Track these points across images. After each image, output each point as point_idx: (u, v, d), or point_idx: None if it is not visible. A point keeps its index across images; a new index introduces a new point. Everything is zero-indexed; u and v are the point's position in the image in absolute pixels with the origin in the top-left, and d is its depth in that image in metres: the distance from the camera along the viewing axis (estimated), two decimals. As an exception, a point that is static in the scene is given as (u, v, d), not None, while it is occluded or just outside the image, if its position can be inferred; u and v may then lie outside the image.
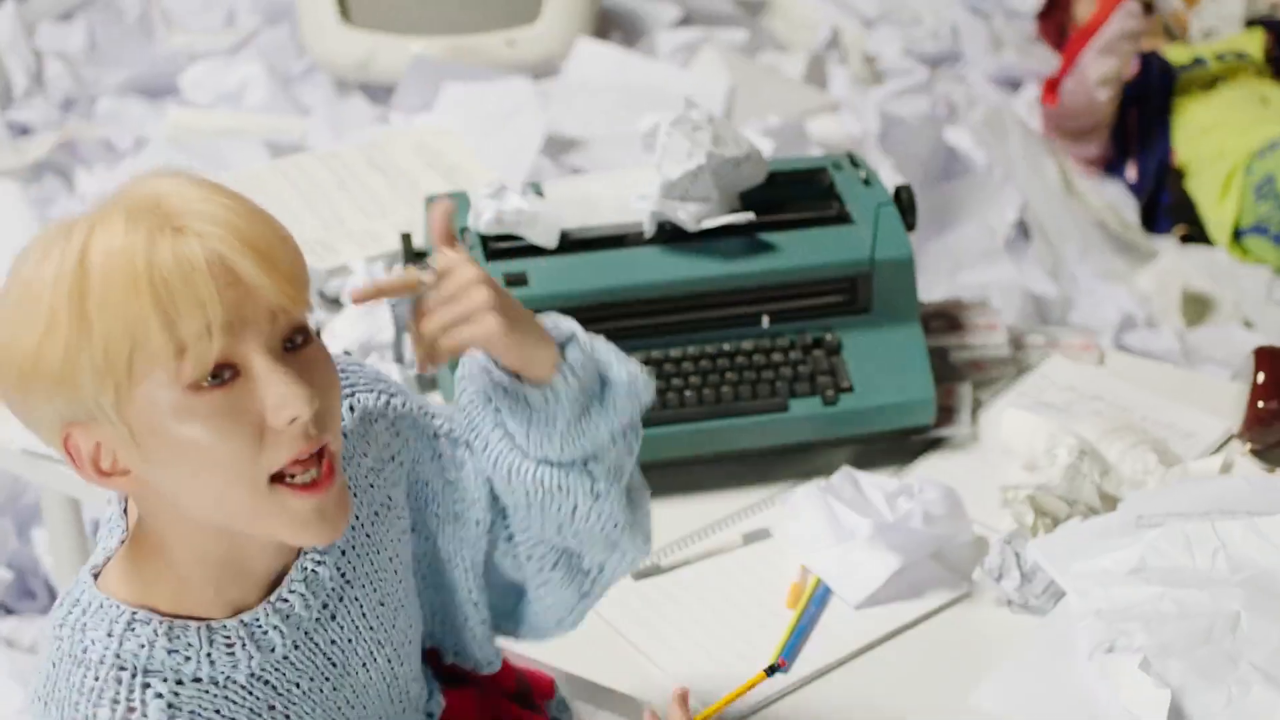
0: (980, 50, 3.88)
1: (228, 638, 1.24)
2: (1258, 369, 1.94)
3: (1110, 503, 1.86)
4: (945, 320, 2.18)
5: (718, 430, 2.00)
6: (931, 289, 2.84)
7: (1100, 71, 3.43)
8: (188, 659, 1.22)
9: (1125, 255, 3.31)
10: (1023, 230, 3.33)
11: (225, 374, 1.13)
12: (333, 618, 1.32)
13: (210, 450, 1.13)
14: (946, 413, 2.07)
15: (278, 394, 1.14)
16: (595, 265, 2.05)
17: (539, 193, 2.13)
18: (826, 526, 1.85)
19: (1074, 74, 3.45)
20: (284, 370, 1.14)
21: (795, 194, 2.17)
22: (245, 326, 1.13)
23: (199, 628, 1.23)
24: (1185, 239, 3.44)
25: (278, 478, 1.17)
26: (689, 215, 2.04)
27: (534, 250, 2.06)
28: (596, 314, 2.01)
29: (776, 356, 2.04)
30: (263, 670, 1.26)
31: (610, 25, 3.69)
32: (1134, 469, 1.90)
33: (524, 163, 2.93)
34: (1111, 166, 3.63)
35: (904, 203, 2.12)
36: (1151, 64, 3.63)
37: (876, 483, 1.90)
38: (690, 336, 2.06)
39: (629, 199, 2.07)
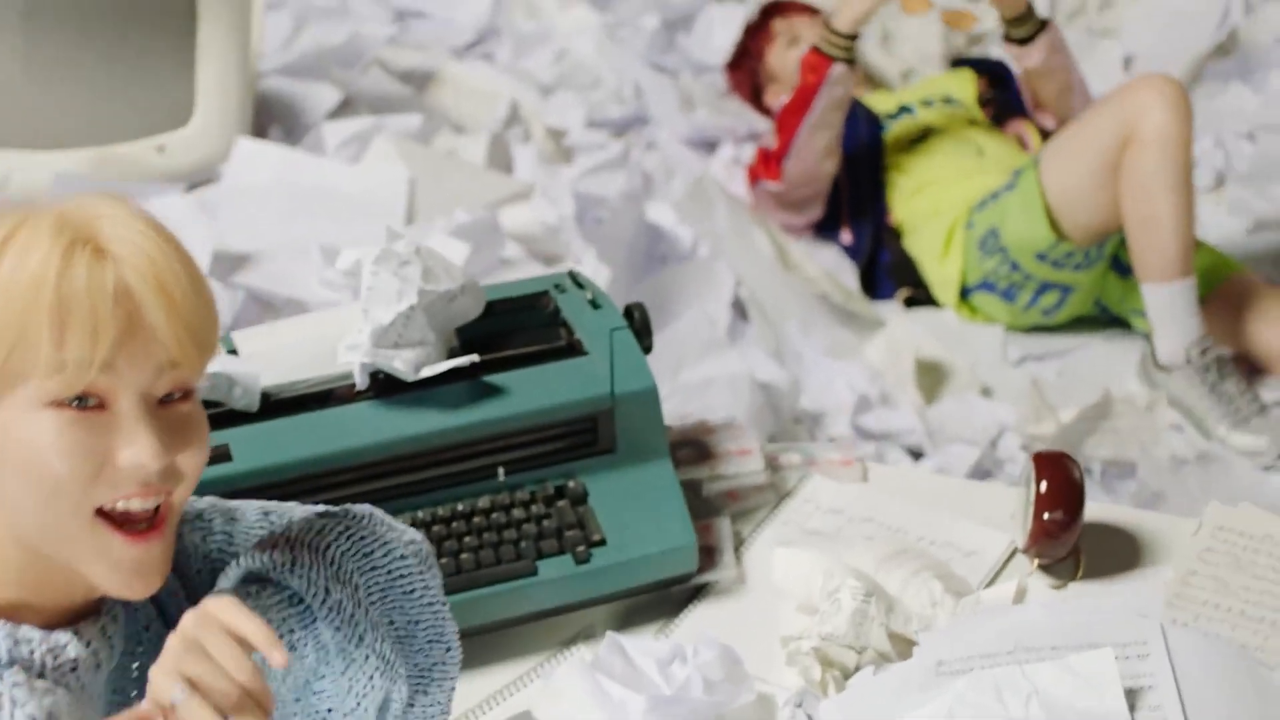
0: (670, 110, 3.88)
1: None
2: (1039, 478, 1.95)
3: (901, 644, 1.84)
4: (694, 449, 2.15)
5: (460, 605, 1.91)
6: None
7: (820, 146, 3.46)
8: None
9: (850, 326, 3.34)
10: (740, 310, 3.32)
11: (90, 401, 1.19)
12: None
13: (45, 464, 1.18)
14: (708, 554, 2.03)
15: (133, 442, 1.19)
16: (303, 429, 1.96)
17: (232, 349, 2.02)
18: (595, 706, 1.79)
19: (794, 154, 3.48)
20: (149, 421, 1.19)
21: (519, 324, 2.11)
22: (130, 368, 1.18)
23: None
24: (910, 302, 3.49)
25: (105, 514, 1.21)
26: (405, 364, 1.96)
27: (233, 417, 1.96)
28: (309, 485, 1.92)
29: (518, 513, 1.98)
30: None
31: (270, 118, 3.58)
32: (920, 602, 1.88)
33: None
34: (824, 228, 3.66)
35: (637, 323, 2.08)
36: (857, 116, 3.67)
37: (646, 649, 1.84)
38: (418, 500, 1.99)
39: (336, 347, 1.98)
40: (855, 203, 3.63)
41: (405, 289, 1.98)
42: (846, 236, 3.64)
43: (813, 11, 3.94)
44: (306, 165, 3.26)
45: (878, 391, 3.21)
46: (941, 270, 3.46)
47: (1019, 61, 3.60)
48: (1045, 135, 3.67)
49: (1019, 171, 3.34)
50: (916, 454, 3.08)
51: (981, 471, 2.98)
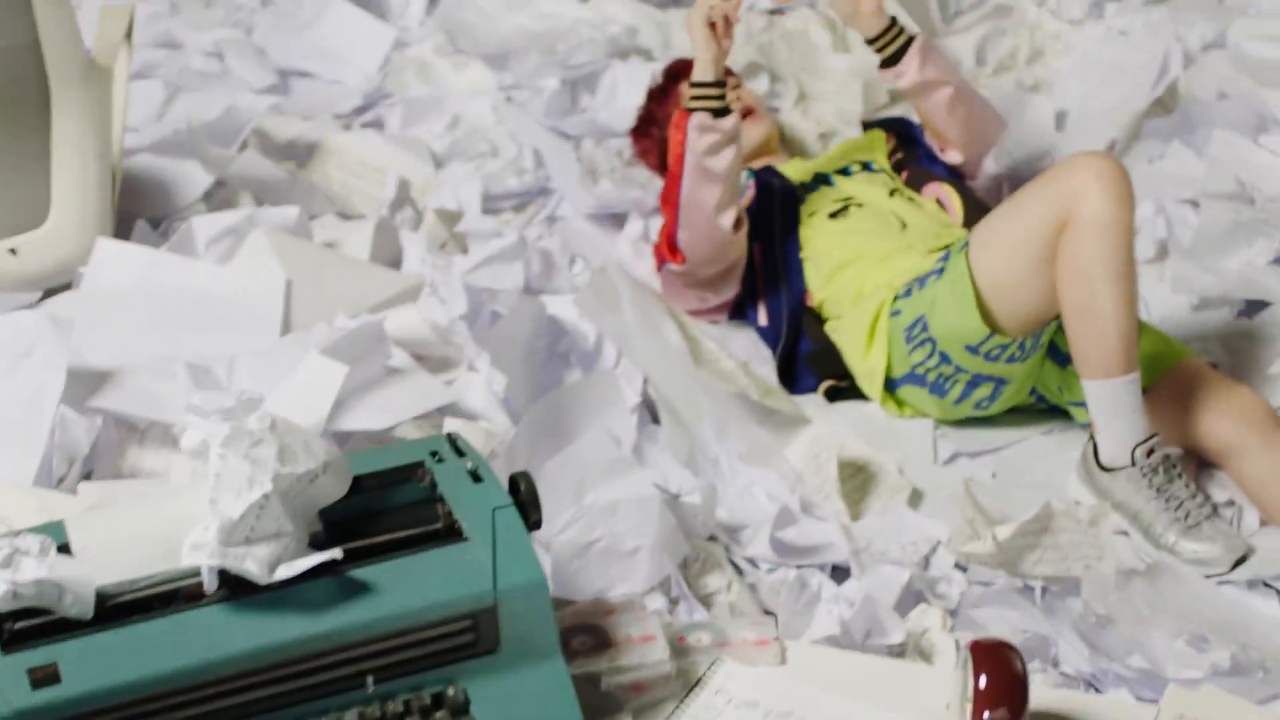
0: (572, 181, 3.68)
1: None
2: (977, 670, 1.77)
3: None
4: (591, 635, 1.96)
5: (327, 840, 1.72)
6: (554, 517, 2.61)
7: (708, 206, 3.26)
8: None
9: (770, 424, 3.16)
10: (651, 410, 3.13)
11: None
12: None
13: None
14: (608, 762, 1.83)
15: None
16: (144, 642, 1.77)
17: (63, 543, 1.81)
18: None
19: (683, 224, 3.29)
20: None
21: (391, 502, 1.91)
22: None
23: None
24: (833, 394, 3.31)
25: None
26: (259, 564, 1.77)
27: (63, 627, 1.75)
28: (151, 708, 1.71)
29: (390, 728, 1.78)
30: None
31: (136, 207, 3.37)
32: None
33: (41, 428, 2.60)
34: (739, 309, 3.48)
35: (524, 497, 1.89)
36: (770, 186, 3.49)
37: None
38: (276, 716, 1.78)
39: (181, 541, 1.78)
40: (770, 280, 3.44)
41: (258, 474, 1.78)
42: (762, 317, 3.46)
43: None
44: (173, 267, 3.04)
45: (800, 499, 3.02)
46: (865, 362, 3.28)
47: (896, 84, 3.49)
48: (964, 193, 3.52)
49: (947, 255, 3.16)
50: (843, 571, 2.89)
51: (913, 594, 2.79)
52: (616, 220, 3.74)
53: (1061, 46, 4.09)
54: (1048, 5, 4.19)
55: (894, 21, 3.47)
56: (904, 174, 3.60)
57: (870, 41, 3.48)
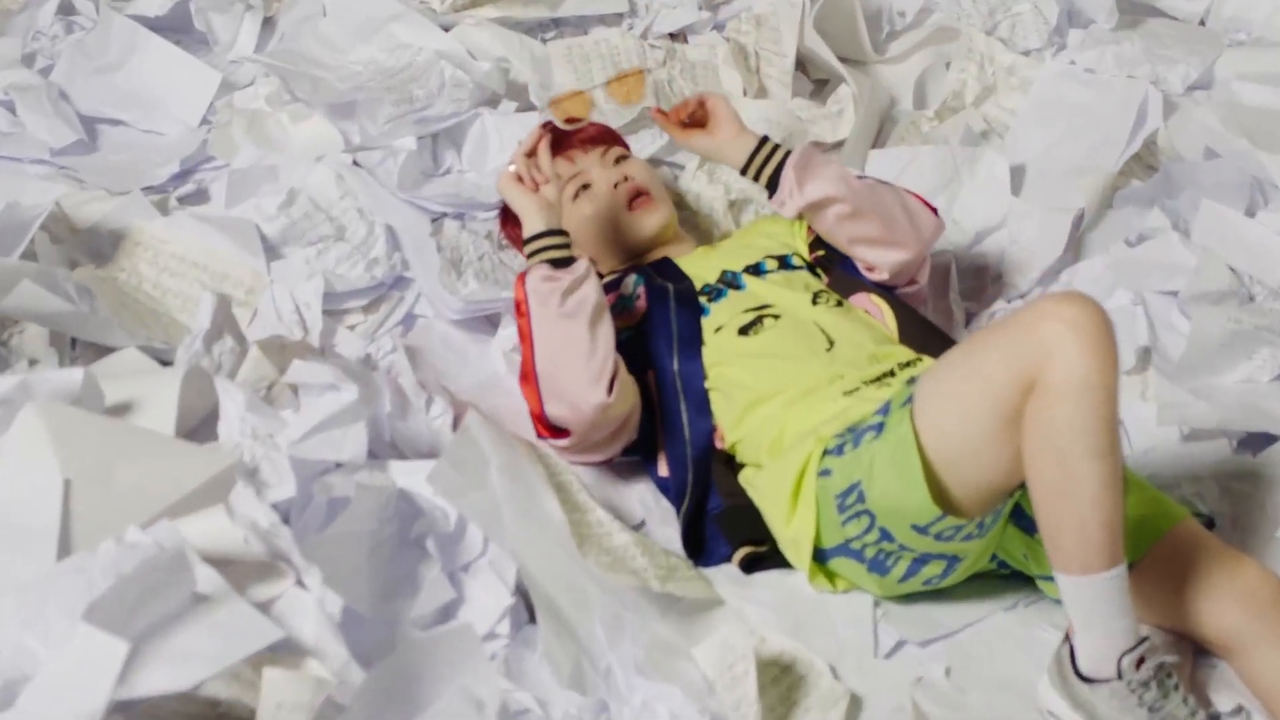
0: (431, 280, 3.19)
1: None
2: None
3: None
4: None
5: None
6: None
7: (576, 371, 2.81)
8: None
9: (673, 616, 2.68)
10: (526, 605, 2.64)
11: None
12: None
13: None
14: None
15: None
16: None
17: None
18: None
19: (549, 398, 2.84)
20: None
21: None
22: None
23: None
24: (750, 563, 2.82)
25: None
26: None
27: None
28: None
29: None
30: None
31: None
32: None
33: None
34: (635, 450, 2.98)
35: None
36: (665, 293, 2.99)
37: None
38: None
39: None
40: (670, 417, 2.95)
41: None
42: (661, 466, 2.97)
43: (609, 140, 3.24)
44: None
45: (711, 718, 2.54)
46: (789, 528, 2.79)
47: (781, 212, 3.07)
48: (897, 306, 3.06)
49: (887, 409, 2.66)
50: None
51: None
52: (489, 321, 3.22)
53: (1016, 82, 3.58)
54: (999, 31, 3.66)
55: (763, 141, 3.02)
56: (828, 276, 3.09)
57: (742, 172, 3.05)
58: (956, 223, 3.33)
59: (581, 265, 2.86)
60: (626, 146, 3.32)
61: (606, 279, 3.15)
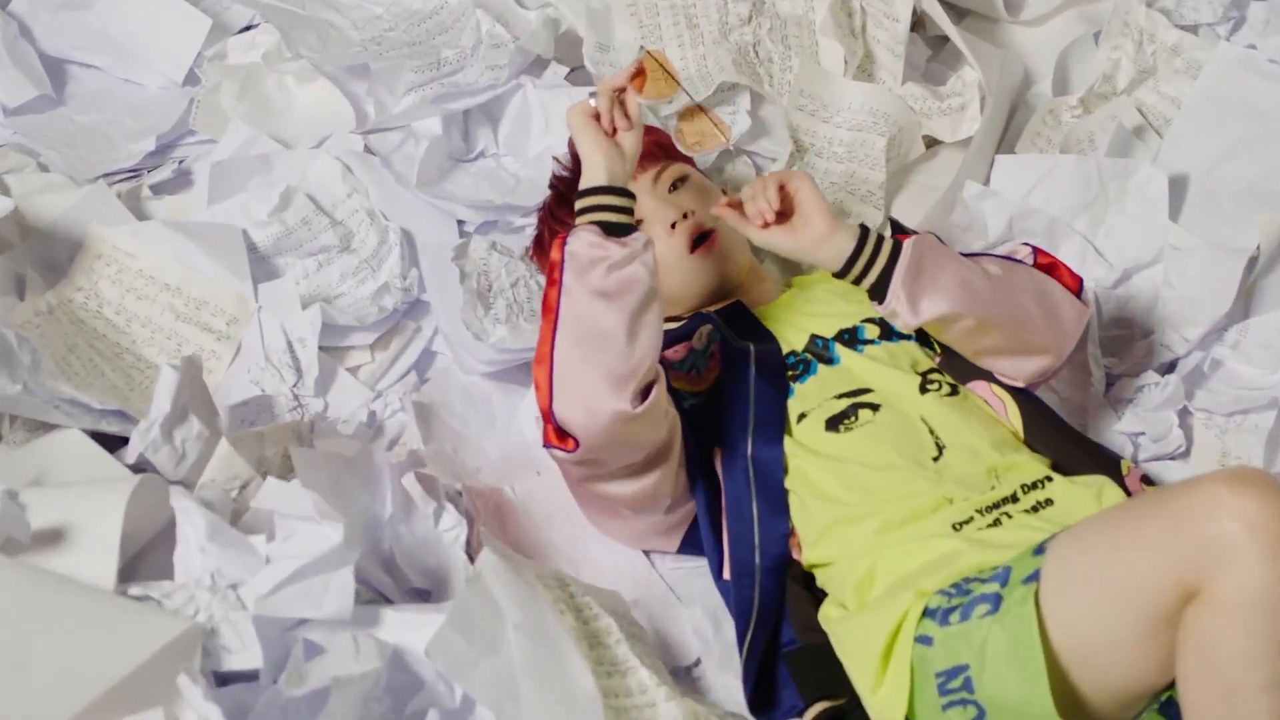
0: (454, 320, 2.71)
1: None
2: None
3: None
4: None
5: None
6: None
7: (600, 365, 2.34)
8: None
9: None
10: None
11: None
12: None
13: None
14: None
15: None
16: None
17: None
18: None
19: (559, 389, 2.35)
20: None
21: None
22: None
23: None
24: (827, 723, 2.38)
25: None
26: None
27: None
28: None
29: None
30: None
31: None
32: None
33: None
34: (694, 543, 2.52)
35: None
36: (744, 356, 2.52)
37: None
38: None
39: None
40: (738, 508, 2.48)
41: None
42: (725, 568, 2.50)
43: (663, 155, 2.72)
44: None
45: None
46: (876, 695, 2.32)
47: (892, 321, 2.51)
48: (1024, 401, 2.55)
49: (1006, 576, 2.18)
50: None
51: None
52: (522, 369, 2.74)
53: (1181, 64, 3.00)
54: (1159, 2, 3.07)
55: (862, 239, 2.45)
56: (941, 351, 2.59)
57: (839, 275, 2.49)
58: (1100, 254, 2.79)
59: (640, 239, 2.36)
60: (688, 160, 2.78)
61: (671, 325, 2.66)
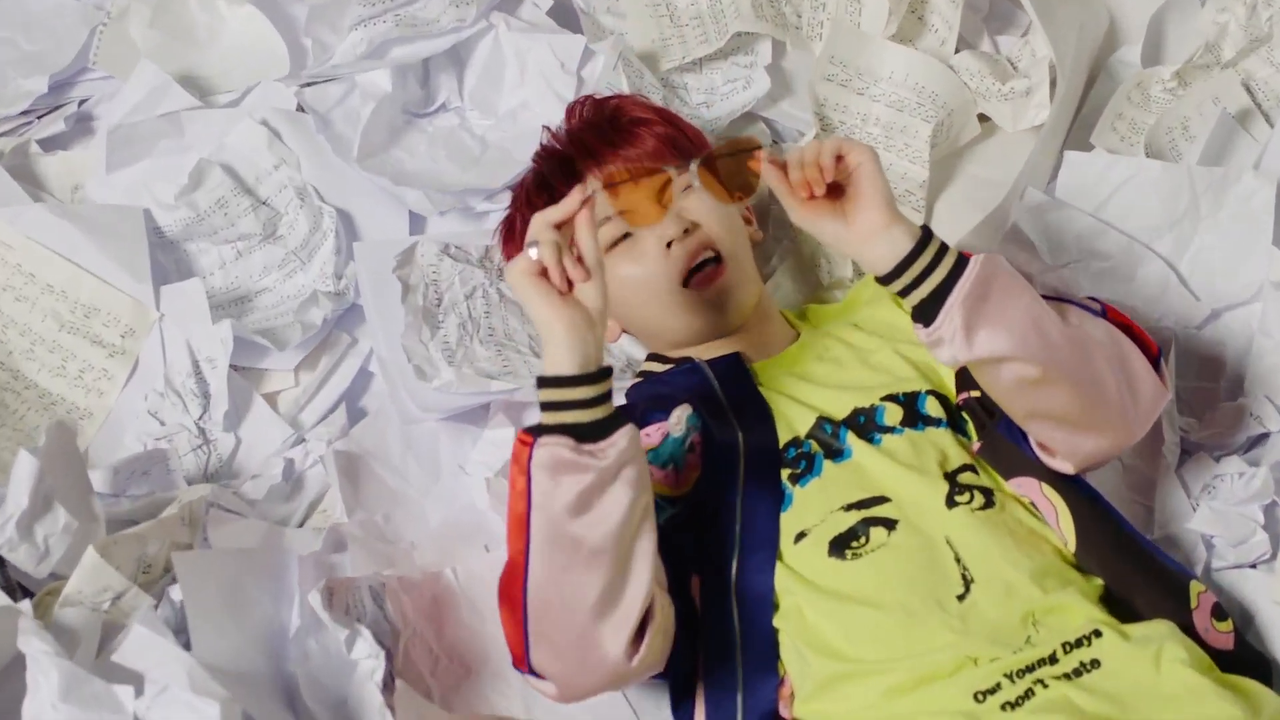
0: (392, 354, 2.29)
1: None
2: None
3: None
4: None
5: None
6: None
7: (583, 606, 1.95)
8: None
9: None
10: None
11: None
12: None
13: None
14: None
15: None
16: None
17: None
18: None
19: (537, 639, 1.98)
20: None
21: None
22: None
23: None
24: None
25: None
26: None
27: None
28: None
29: None
30: None
31: None
32: None
33: None
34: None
35: None
36: (727, 454, 2.14)
37: None
38: None
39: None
40: (720, 653, 2.09)
41: None
42: (699, 713, 2.11)
43: (666, 156, 2.27)
44: None
45: None
46: None
47: (934, 354, 2.02)
48: (1076, 501, 2.11)
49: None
50: None
51: None
52: (474, 419, 2.35)
53: (1295, 30, 2.50)
54: (1268, -55, 2.56)
55: (922, 240, 1.98)
56: (980, 434, 2.16)
57: (882, 281, 2.00)
58: (1185, 284, 2.35)
59: (622, 439, 1.91)
60: (706, 147, 2.31)
61: (654, 368, 2.26)
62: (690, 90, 2.54)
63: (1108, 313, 2.14)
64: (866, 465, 2.13)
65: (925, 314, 1.98)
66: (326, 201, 2.46)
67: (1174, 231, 2.38)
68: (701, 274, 2.21)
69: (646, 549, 1.95)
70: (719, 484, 2.12)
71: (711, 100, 2.53)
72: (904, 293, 1.99)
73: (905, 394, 2.18)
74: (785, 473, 2.13)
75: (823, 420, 2.16)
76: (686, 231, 2.20)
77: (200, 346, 2.35)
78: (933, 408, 2.17)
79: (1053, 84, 2.47)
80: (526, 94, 2.53)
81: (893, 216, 1.98)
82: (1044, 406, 2.05)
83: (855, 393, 2.19)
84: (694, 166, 2.06)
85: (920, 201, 2.43)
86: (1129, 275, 2.36)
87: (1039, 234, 2.37)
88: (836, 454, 2.14)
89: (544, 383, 1.90)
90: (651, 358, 2.32)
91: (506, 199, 2.42)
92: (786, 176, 2.01)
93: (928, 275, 1.97)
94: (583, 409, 1.90)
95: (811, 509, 2.10)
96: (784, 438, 2.16)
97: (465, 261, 2.38)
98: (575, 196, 1.94)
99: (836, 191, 2.01)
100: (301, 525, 2.29)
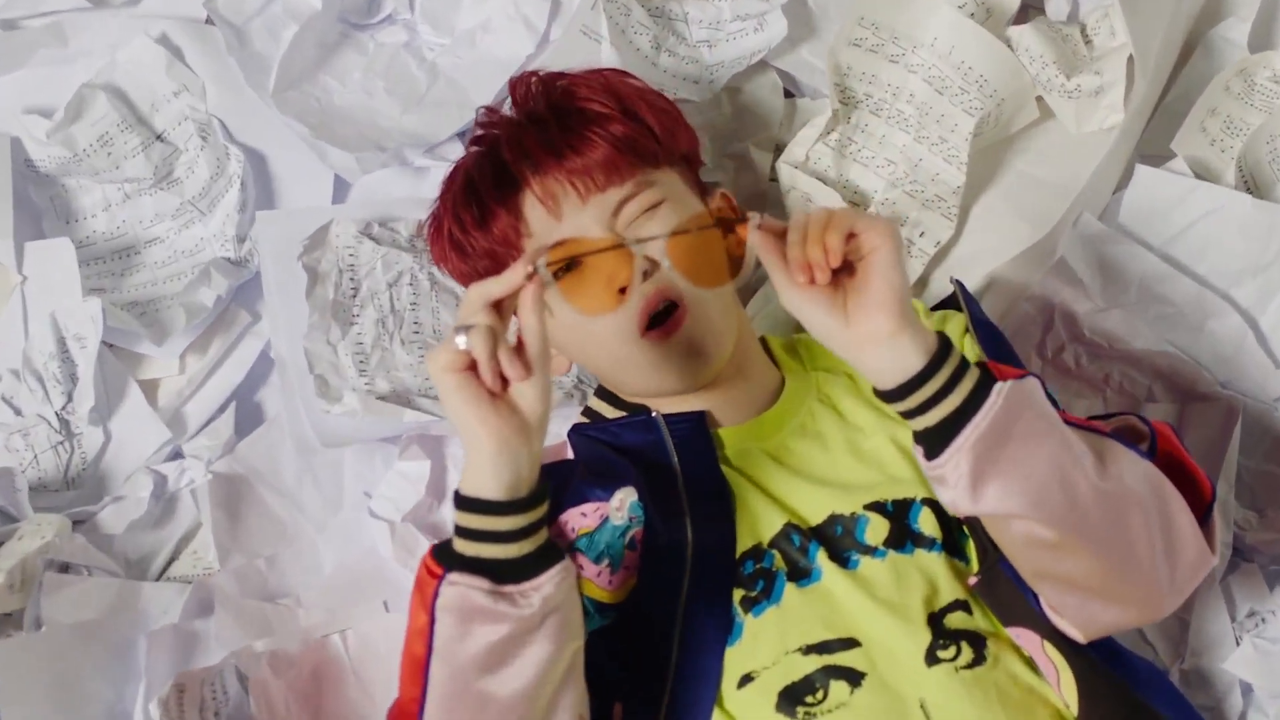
0: (292, 369, 1.98)
1: None
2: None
3: None
4: None
5: None
6: None
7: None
8: None
9: None
10: None
11: None
12: None
13: None
14: None
15: None
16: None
17: None
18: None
19: None
20: None
21: None
22: None
23: None
24: None
25: None
26: None
27: None
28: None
29: None
30: None
31: None
32: None
33: None
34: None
35: None
36: (673, 557, 1.85)
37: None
38: None
39: None
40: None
41: None
42: None
43: (628, 167, 1.88)
44: None
45: None
46: None
47: (936, 488, 1.65)
48: (1079, 664, 1.75)
49: None
50: None
51: None
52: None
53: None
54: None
55: (938, 357, 1.59)
56: (979, 568, 1.81)
57: (883, 398, 1.62)
58: (1264, 344, 1.98)
59: (549, 584, 1.59)
60: (690, 159, 1.94)
61: (610, 414, 1.93)
62: (691, 23, 2.12)
63: (1158, 444, 1.77)
64: (837, 595, 1.79)
65: (929, 445, 1.62)
66: (235, 141, 2.09)
67: (1258, 280, 1.99)
68: (663, 324, 1.85)
69: (569, 703, 1.66)
70: (657, 598, 1.79)
71: (715, 39, 2.12)
72: (908, 416, 1.63)
73: (895, 502, 1.83)
74: (738, 594, 1.80)
75: (791, 528, 1.82)
76: (649, 267, 1.82)
77: (68, 323, 2.01)
78: (926, 523, 1.82)
79: (1130, 84, 2.04)
80: (490, 12, 2.13)
81: (903, 322, 1.59)
82: (1058, 571, 1.71)
83: (836, 493, 1.83)
84: (662, 244, 1.69)
85: (952, 209, 2.03)
86: (1197, 325, 1.98)
87: (1092, 269, 1.98)
88: (803, 575, 1.80)
89: (462, 503, 1.57)
90: (602, 393, 1.98)
91: (452, 152, 2.04)
92: (783, 249, 1.64)
93: (938, 401, 1.60)
94: (506, 542, 1.57)
95: (764, 646, 1.77)
96: (743, 543, 1.82)
97: (390, 244, 2.02)
98: (519, 269, 1.58)
99: (840, 271, 1.63)
100: (167, 568, 1.99)
